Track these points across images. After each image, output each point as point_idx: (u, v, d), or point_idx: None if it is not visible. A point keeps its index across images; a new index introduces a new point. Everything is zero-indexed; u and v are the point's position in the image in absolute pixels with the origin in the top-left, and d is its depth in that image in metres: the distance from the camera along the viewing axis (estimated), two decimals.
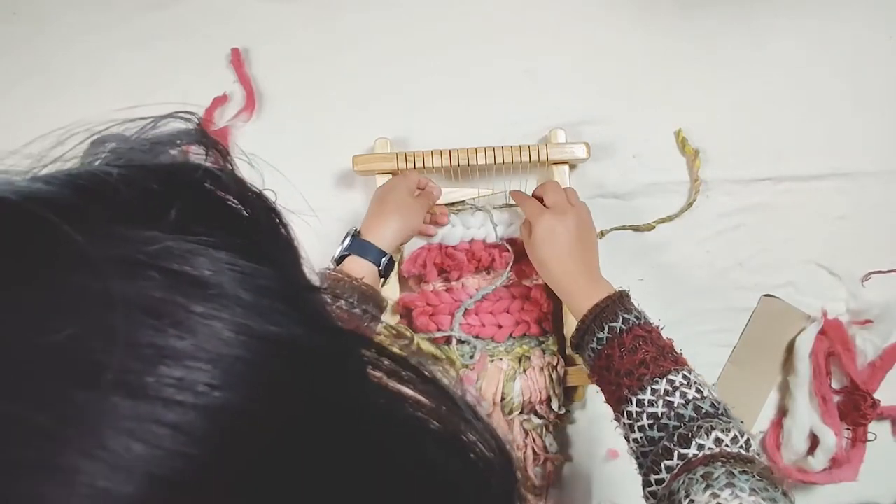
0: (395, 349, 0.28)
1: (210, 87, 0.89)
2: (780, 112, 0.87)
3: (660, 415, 0.57)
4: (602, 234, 0.84)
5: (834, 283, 0.83)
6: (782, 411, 0.80)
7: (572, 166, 0.83)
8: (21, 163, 0.27)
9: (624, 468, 0.80)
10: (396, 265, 0.81)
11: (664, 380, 0.58)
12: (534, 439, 0.79)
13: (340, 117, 0.88)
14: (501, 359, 0.77)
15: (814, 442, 0.77)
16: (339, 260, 0.69)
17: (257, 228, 0.26)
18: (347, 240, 0.70)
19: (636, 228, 0.84)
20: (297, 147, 0.88)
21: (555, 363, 0.77)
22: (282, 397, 0.22)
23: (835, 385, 0.79)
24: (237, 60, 0.90)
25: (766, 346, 0.82)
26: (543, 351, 0.78)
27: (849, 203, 0.84)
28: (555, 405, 0.77)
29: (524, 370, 0.76)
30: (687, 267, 0.84)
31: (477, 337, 0.79)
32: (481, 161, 0.79)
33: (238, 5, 0.93)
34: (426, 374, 0.28)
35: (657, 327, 0.65)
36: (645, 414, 0.58)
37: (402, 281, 0.82)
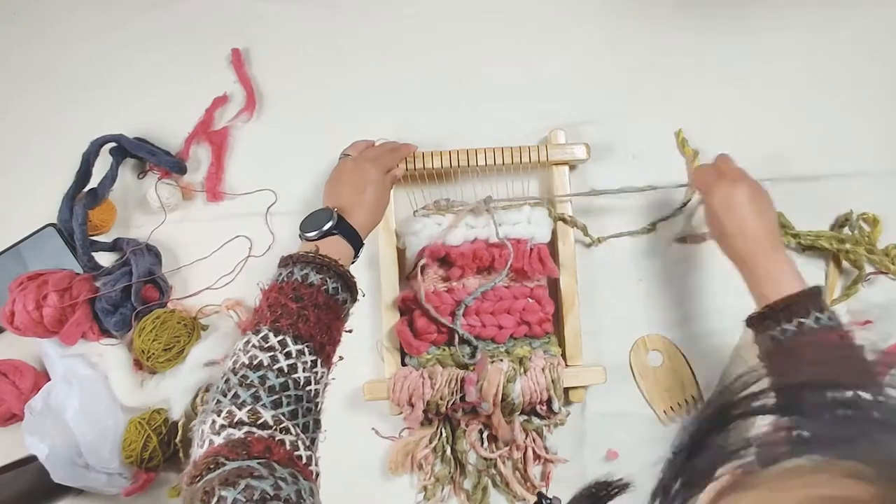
0: None
1: (210, 87, 0.89)
2: (780, 112, 0.87)
3: None
4: (599, 240, 0.83)
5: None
6: None
7: (572, 167, 0.83)
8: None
9: (623, 469, 0.81)
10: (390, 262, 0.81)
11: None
12: (534, 439, 0.80)
13: (340, 117, 0.88)
14: (502, 359, 0.77)
15: None
16: (323, 236, 0.66)
17: None
18: (331, 221, 0.67)
19: (633, 234, 0.84)
20: (296, 147, 0.88)
21: (555, 364, 0.77)
22: None
23: None
24: (237, 60, 0.90)
25: None
26: (544, 352, 0.78)
27: (849, 203, 0.84)
28: (555, 406, 0.77)
29: (525, 371, 0.76)
30: (687, 267, 0.84)
31: (478, 338, 0.79)
32: (481, 162, 0.79)
33: (238, 5, 0.93)
34: None
35: (848, 331, 0.62)
36: None
37: (403, 281, 0.82)
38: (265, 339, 0.56)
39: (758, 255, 0.66)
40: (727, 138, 0.86)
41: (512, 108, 0.88)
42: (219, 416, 0.51)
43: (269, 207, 0.86)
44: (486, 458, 0.80)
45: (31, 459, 0.76)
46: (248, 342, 0.57)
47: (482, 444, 0.80)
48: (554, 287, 0.82)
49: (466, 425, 0.80)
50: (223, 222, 0.86)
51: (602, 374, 0.78)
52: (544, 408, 0.78)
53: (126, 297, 0.80)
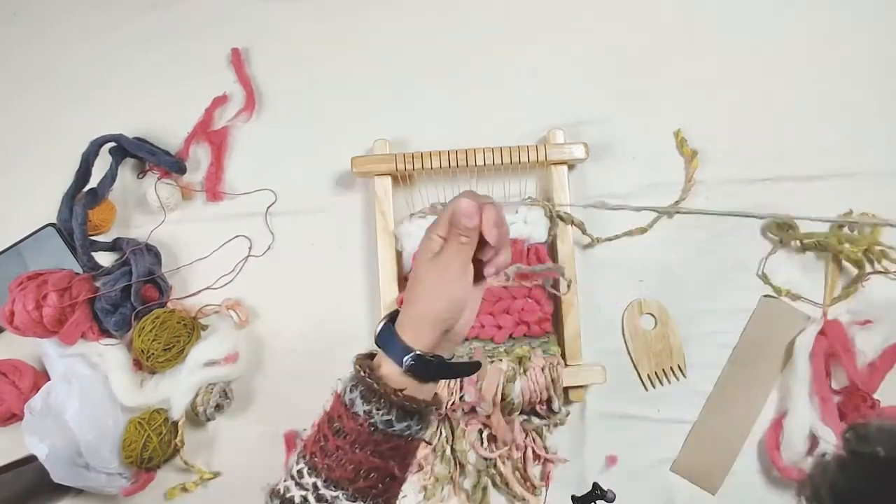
0: None
1: (210, 87, 0.90)
2: (780, 112, 0.87)
3: None
4: (598, 240, 0.83)
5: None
6: (782, 411, 0.80)
7: (571, 167, 0.83)
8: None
9: (623, 469, 0.81)
10: (390, 264, 0.81)
11: None
12: (534, 439, 0.80)
13: (340, 118, 0.88)
14: (501, 359, 0.77)
15: (813, 442, 0.77)
16: (380, 346, 0.52)
17: None
18: (381, 324, 0.53)
19: (630, 234, 0.84)
20: (296, 147, 0.88)
21: (555, 363, 0.77)
22: None
23: (835, 385, 0.79)
24: (237, 60, 0.90)
25: (766, 347, 0.82)
26: (544, 351, 0.78)
27: (848, 203, 0.84)
28: (555, 406, 0.77)
29: (524, 371, 0.76)
30: (687, 268, 0.84)
31: (476, 338, 0.79)
32: (479, 162, 0.79)
33: (238, 5, 0.93)
34: None
35: None
36: None
37: (402, 282, 0.82)
38: (300, 473, 0.50)
39: None
40: (727, 138, 0.86)
41: (511, 108, 0.88)
42: None
43: (268, 207, 0.87)
44: (485, 458, 0.80)
45: (31, 459, 0.76)
46: (292, 468, 0.51)
47: (482, 444, 0.80)
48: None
49: (466, 425, 0.80)
50: (223, 222, 0.86)
51: (602, 374, 0.78)
52: (544, 408, 0.78)
53: (126, 296, 0.80)
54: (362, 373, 0.50)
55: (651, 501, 0.81)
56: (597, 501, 0.68)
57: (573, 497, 0.71)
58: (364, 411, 0.49)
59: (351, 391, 0.50)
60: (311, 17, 0.92)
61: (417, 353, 0.50)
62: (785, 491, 0.80)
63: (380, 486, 0.50)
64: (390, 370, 0.50)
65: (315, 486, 0.49)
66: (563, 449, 0.81)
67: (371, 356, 0.53)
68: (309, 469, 0.50)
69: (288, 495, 0.50)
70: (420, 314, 0.50)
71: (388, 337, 0.51)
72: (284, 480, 0.51)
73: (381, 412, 0.49)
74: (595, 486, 0.69)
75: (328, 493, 0.49)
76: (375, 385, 0.49)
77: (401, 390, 0.49)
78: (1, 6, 0.95)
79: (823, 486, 0.44)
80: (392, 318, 0.53)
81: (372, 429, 0.49)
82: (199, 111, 0.89)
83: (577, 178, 0.85)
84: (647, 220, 0.85)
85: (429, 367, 0.50)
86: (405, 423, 0.50)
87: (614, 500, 0.68)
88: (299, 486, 0.50)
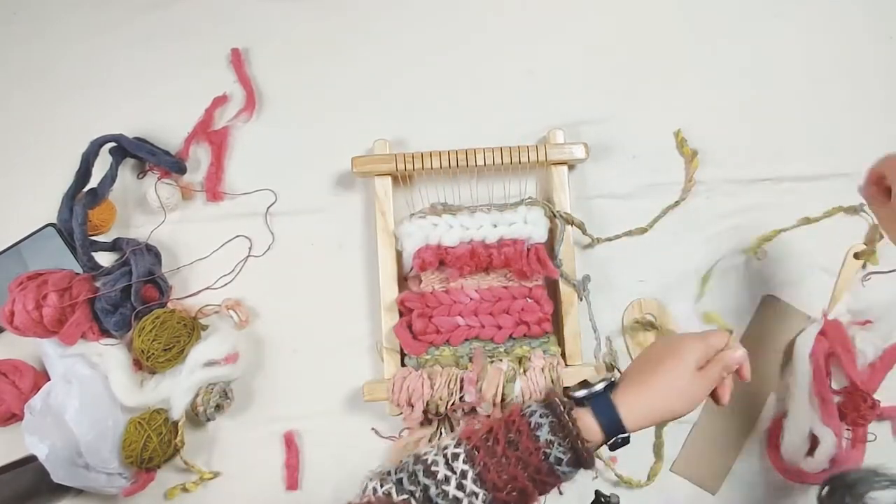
0: None
1: (210, 86, 0.90)
2: (780, 112, 0.87)
3: None
4: (598, 240, 0.83)
5: (834, 283, 0.83)
6: (782, 411, 0.80)
7: (571, 167, 0.83)
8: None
9: (623, 469, 0.81)
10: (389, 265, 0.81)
11: None
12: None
13: (340, 118, 0.88)
14: (501, 360, 0.77)
15: (814, 442, 0.77)
16: (580, 401, 0.59)
17: None
18: (601, 385, 0.59)
19: (630, 234, 0.84)
20: (296, 147, 0.88)
21: (555, 363, 0.77)
22: None
23: (835, 385, 0.79)
24: (237, 60, 0.90)
25: (766, 346, 0.82)
26: (544, 352, 0.78)
27: (849, 203, 0.84)
28: None
29: (524, 371, 0.76)
30: (687, 268, 0.84)
31: (476, 338, 0.79)
32: (480, 162, 0.79)
33: (238, 5, 0.93)
34: None
35: None
36: None
37: (402, 282, 0.82)
38: (455, 456, 0.55)
39: None
40: (727, 138, 0.86)
41: (511, 108, 0.88)
42: (380, 484, 0.54)
43: (268, 207, 0.87)
44: None
45: (31, 459, 0.76)
46: (446, 447, 0.56)
47: None
48: (553, 287, 0.82)
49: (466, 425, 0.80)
50: (223, 222, 0.86)
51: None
52: None
53: (126, 297, 0.80)
54: (563, 412, 0.56)
55: (651, 501, 0.81)
56: None
57: None
58: (546, 440, 0.55)
59: (540, 417, 0.56)
60: (311, 17, 0.92)
61: (628, 435, 0.58)
62: (785, 492, 0.80)
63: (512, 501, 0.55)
64: (588, 425, 0.57)
65: (464, 474, 0.54)
66: None
67: (568, 398, 0.59)
68: (466, 458, 0.54)
69: (434, 468, 0.54)
70: (658, 408, 0.58)
71: (605, 405, 0.57)
72: (433, 454, 0.55)
73: (560, 450, 0.55)
74: (597, 493, 0.69)
75: (471, 487, 0.53)
76: (570, 426, 0.55)
77: (588, 442, 0.55)
78: (1, 6, 0.95)
79: None
80: (610, 384, 0.60)
81: (543, 458, 0.54)
82: (199, 111, 0.89)
83: (577, 178, 0.85)
84: (647, 220, 0.85)
85: (624, 443, 0.58)
86: (570, 469, 0.56)
87: (618, 503, 0.68)
88: (448, 466, 0.54)
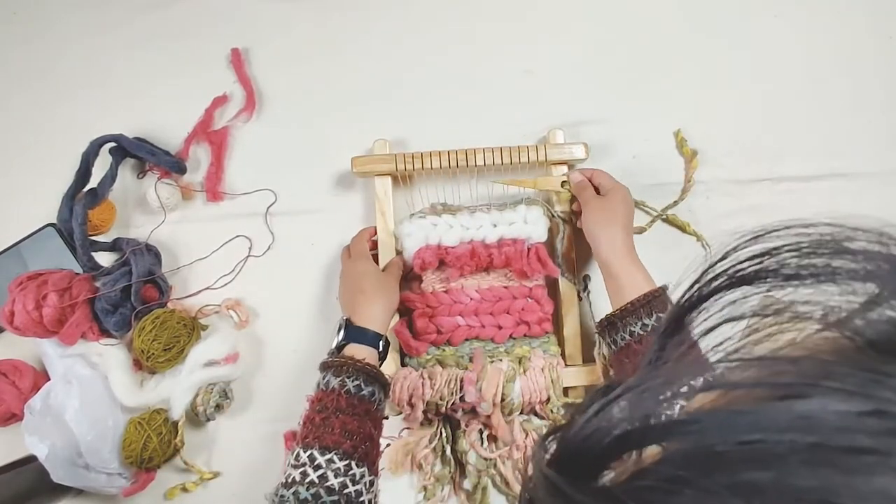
0: None
1: (210, 87, 0.90)
2: (780, 112, 0.87)
3: None
4: None
5: None
6: None
7: (571, 166, 0.83)
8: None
9: None
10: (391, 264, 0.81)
11: None
12: (534, 440, 0.80)
13: (340, 118, 0.88)
14: (501, 360, 0.77)
15: None
16: (339, 349, 0.69)
17: None
18: (342, 331, 0.70)
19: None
20: (296, 148, 0.88)
21: (555, 363, 0.77)
22: None
23: None
24: (237, 60, 0.90)
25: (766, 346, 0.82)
26: (544, 351, 0.78)
27: (849, 203, 0.84)
28: (555, 406, 0.77)
29: (524, 371, 0.76)
30: (686, 268, 0.84)
31: (476, 338, 0.79)
32: (479, 162, 0.79)
33: (238, 5, 0.93)
34: None
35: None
36: None
37: (403, 282, 0.82)
38: (297, 456, 0.60)
39: (622, 262, 0.71)
40: (727, 138, 0.86)
41: (511, 108, 0.88)
42: None
43: (268, 207, 0.87)
44: (485, 458, 0.80)
45: (31, 459, 0.76)
46: (286, 462, 0.61)
47: (482, 444, 0.80)
48: (553, 287, 0.82)
49: (466, 425, 0.79)
50: (223, 222, 0.86)
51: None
52: (544, 408, 0.78)
53: (126, 297, 0.80)
54: (330, 357, 0.65)
55: None
56: None
57: None
58: (338, 383, 0.63)
59: (324, 378, 0.64)
60: (311, 17, 0.92)
61: (384, 335, 0.71)
62: None
63: (362, 447, 0.61)
64: (353, 351, 0.67)
65: (312, 458, 0.59)
66: None
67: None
68: (303, 448, 0.60)
69: (289, 479, 0.58)
70: (379, 311, 0.72)
71: (356, 331, 0.69)
72: (284, 473, 0.60)
73: (350, 379, 0.63)
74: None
75: (322, 459, 0.59)
76: (344, 359, 0.64)
77: (362, 360, 0.65)
78: (1, 6, 0.95)
79: None
80: (346, 321, 0.71)
81: (347, 394, 0.62)
82: (199, 111, 0.89)
83: None
84: (646, 220, 0.85)
85: (386, 347, 0.71)
86: (371, 389, 0.64)
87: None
88: (296, 466, 0.59)
